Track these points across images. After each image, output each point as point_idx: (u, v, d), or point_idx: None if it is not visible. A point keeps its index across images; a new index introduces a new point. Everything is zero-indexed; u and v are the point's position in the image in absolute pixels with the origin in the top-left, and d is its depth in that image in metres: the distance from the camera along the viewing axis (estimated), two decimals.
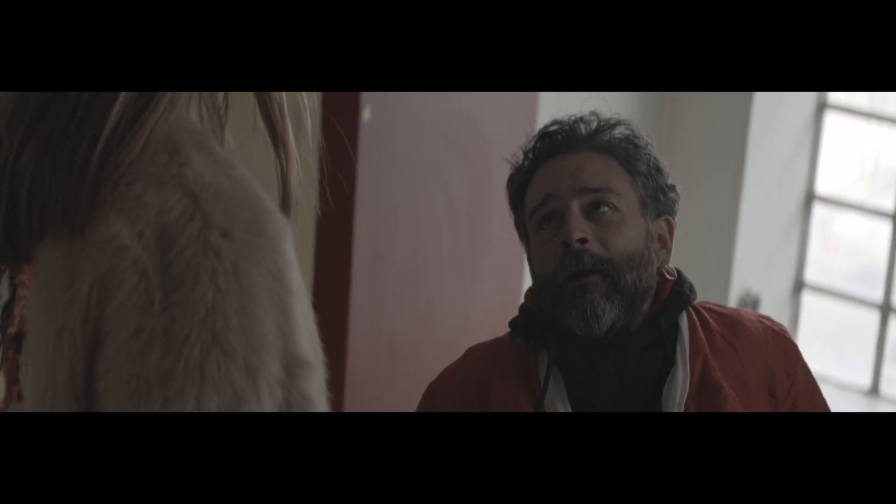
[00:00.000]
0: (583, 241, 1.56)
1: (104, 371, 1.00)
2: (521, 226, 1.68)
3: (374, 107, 3.16)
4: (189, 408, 0.97)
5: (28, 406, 1.04)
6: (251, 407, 0.98)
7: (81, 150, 1.03)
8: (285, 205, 1.16)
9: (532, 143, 1.66)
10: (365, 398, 3.30)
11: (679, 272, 1.66)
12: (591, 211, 1.59)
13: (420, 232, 3.42)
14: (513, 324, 1.67)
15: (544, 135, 1.65)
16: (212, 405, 0.97)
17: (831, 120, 4.72)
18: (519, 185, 1.67)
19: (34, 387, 1.03)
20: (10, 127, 1.07)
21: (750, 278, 4.60)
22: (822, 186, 4.76)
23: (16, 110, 1.07)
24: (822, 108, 4.68)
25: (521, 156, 1.67)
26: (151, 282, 0.99)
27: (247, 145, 1.18)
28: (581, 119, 1.65)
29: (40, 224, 1.04)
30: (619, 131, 1.64)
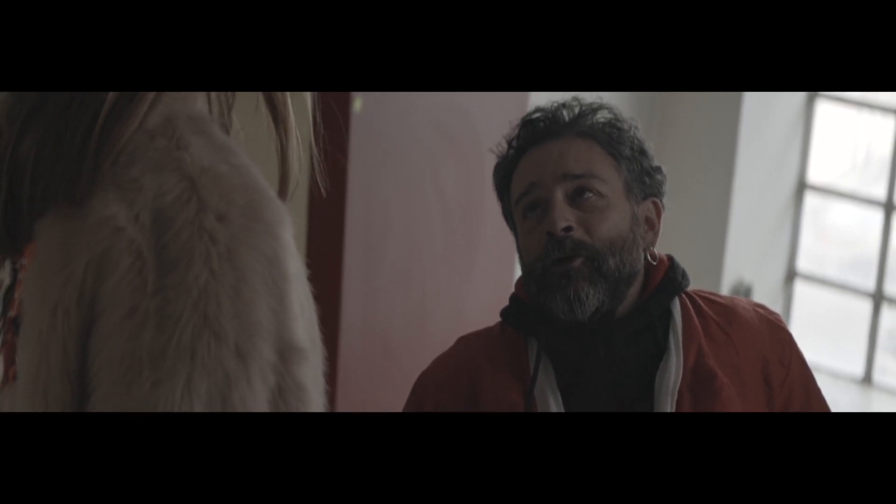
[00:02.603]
0: (567, 229, 1.56)
1: (97, 350, 1.00)
2: (508, 215, 1.69)
3: (365, 99, 3.15)
4: (179, 388, 0.97)
5: (21, 385, 1.05)
6: (242, 390, 0.98)
7: (82, 128, 1.04)
8: (284, 184, 1.17)
9: (515, 131, 1.66)
10: (358, 393, 3.29)
11: (672, 259, 1.66)
12: (576, 197, 1.59)
13: (413, 225, 3.41)
14: (503, 313, 1.67)
15: (527, 122, 1.65)
16: (202, 387, 0.97)
17: (823, 109, 4.72)
18: (504, 174, 1.67)
19: (28, 366, 1.04)
20: (10, 116, 1.08)
21: (742, 268, 4.60)
22: (814, 176, 4.76)
23: (15, 100, 1.09)
24: (813, 97, 4.68)
25: (505, 145, 1.67)
26: (146, 263, 1.00)
27: (250, 126, 1.19)
28: (563, 105, 1.65)
29: (43, 204, 1.05)
30: (602, 115, 1.64)
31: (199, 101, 1.12)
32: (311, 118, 1.20)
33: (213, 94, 1.14)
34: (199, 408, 0.97)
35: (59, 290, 1.02)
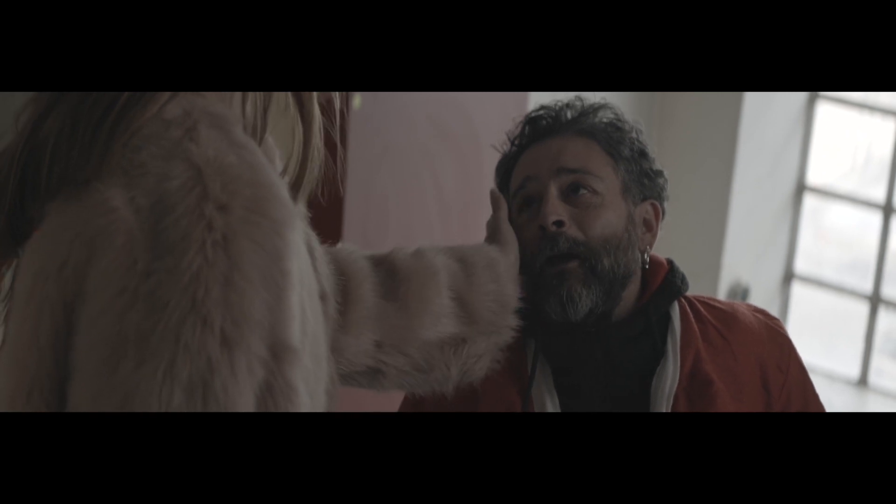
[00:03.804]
0: (559, 223, 1.56)
1: (87, 328, 1.01)
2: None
3: (364, 95, 3.15)
4: (161, 371, 0.97)
5: (3, 349, 1.07)
6: (224, 378, 0.98)
7: (99, 113, 1.06)
8: (299, 183, 1.17)
9: (519, 128, 1.66)
10: (356, 389, 3.28)
11: (671, 263, 1.65)
12: (571, 193, 1.59)
13: (411, 221, 3.41)
14: None
15: (530, 120, 1.66)
16: (184, 371, 0.97)
17: (823, 110, 4.71)
18: (505, 171, 1.67)
19: (9, 330, 1.06)
20: (26, 110, 1.10)
21: (740, 269, 4.60)
22: (814, 177, 4.76)
23: (34, 95, 1.11)
24: (813, 98, 4.67)
25: (507, 142, 1.67)
26: (138, 245, 1.00)
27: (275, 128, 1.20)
28: (567, 105, 1.65)
29: (57, 189, 1.06)
30: (604, 116, 1.64)
31: (231, 103, 1.12)
32: (338, 116, 1.21)
33: (250, 97, 1.14)
34: (178, 391, 0.97)
35: (44, 259, 1.04)
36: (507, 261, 1.54)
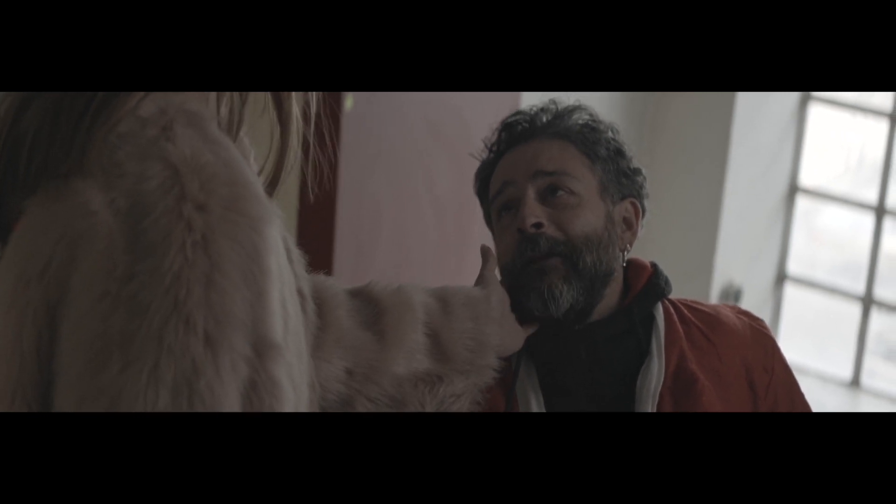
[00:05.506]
0: (538, 225, 1.57)
1: (70, 332, 1.01)
2: (487, 218, 1.69)
3: (356, 97, 3.14)
4: (146, 372, 0.97)
5: None
6: (209, 378, 0.98)
7: (79, 107, 1.06)
8: (275, 182, 1.17)
9: (495, 135, 1.67)
10: None
11: (655, 265, 1.66)
12: (549, 195, 1.59)
13: (404, 224, 3.41)
14: None
15: (506, 126, 1.67)
16: (169, 373, 0.97)
17: (816, 112, 4.72)
18: (483, 178, 1.68)
19: None
20: (4, 102, 1.10)
21: (733, 270, 4.61)
22: (806, 178, 4.77)
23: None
24: (806, 99, 4.68)
25: (485, 149, 1.68)
26: (118, 247, 1.00)
27: (254, 125, 1.20)
28: (542, 109, 1.66)
29: (36, 182, 1.06)
30: (578, 117, 1.65)
31: (207, 99, 1.12)
32: (313, 118, 1.20)
33: (227, 94, 1.14)
34: (164, 393, 0.97)
35: (25, 262, 1.03)
36: (487, 301, 1.54)
